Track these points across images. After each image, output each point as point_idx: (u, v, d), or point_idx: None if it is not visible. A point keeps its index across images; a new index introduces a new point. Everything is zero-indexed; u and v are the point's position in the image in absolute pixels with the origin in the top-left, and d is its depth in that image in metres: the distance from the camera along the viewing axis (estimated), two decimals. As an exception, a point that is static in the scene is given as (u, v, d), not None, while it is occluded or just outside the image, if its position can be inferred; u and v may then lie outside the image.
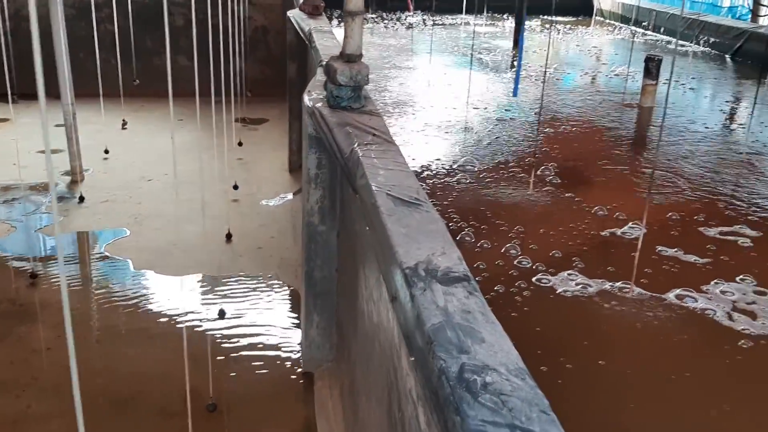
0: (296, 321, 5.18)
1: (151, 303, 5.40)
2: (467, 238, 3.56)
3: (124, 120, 8.88)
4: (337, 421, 3.71)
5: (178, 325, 4.94)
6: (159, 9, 11.11)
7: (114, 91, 8.28)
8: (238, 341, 5.02)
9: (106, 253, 6.10)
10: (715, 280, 3.28)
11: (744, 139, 5.75)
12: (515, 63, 8.69)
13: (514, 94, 5.52)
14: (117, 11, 8.29)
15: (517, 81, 5.24)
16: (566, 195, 4.25)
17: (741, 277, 3.34)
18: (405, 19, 12.38)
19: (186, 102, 3.68)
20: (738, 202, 4.27)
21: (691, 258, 3.46)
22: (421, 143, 5.25)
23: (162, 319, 5.11)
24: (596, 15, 14.22)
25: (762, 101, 6.83)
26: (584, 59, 9.84)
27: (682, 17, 11.03)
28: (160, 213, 6.60)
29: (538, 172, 4.45)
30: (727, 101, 7.38)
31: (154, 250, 6.02)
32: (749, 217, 4.05)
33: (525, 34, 10.39)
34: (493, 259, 3.38)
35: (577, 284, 3.17)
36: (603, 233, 3.71)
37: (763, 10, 10.03)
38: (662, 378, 2.66)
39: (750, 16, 10.68)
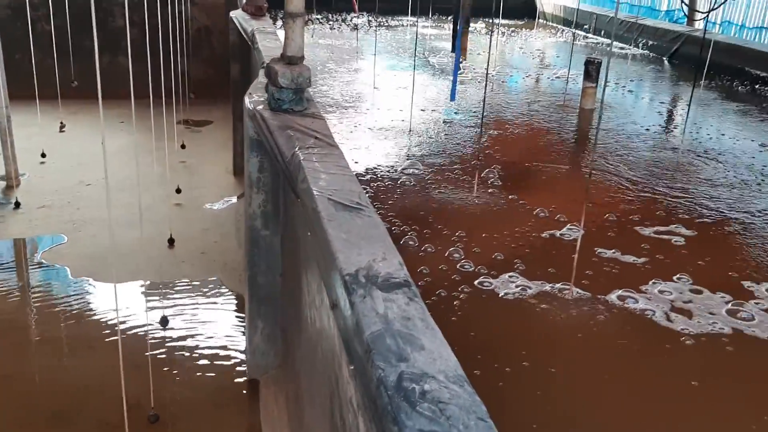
0: (241, 327, 5.11)
1: (90, 311, 5.26)
2: (410, 242, 3.55)
3: (62, 123, 8.62)
4: (283, 428, 3.66)
5: (119, 334, 4.82)
6: (98, 9, 10.82)
7: (51, 93, 8.03)
8: (181, 349, 4.92)
9: (44, 261, 5.91)
10: (653, 280, 3.35)
11: (680, 140, 5.91)
12: (461, 65, 8.76)
13: (452, 98, 5.55)
14: (54, 11, 8.04)
15: (454, 84, 5.27)
16: (509, 197, 4.29)
17: (678, 276, 3.42)
18: (350, 21, 12.36)
19: (128, 104, 3.59)
20: (674, 202, 4.38)
21: (630, 258, 3.53)
22: (365, 146, 5.24)
23: (102, 328, 4.98)
24: (539, 18, 14.45)
25: (697, 103, 7.03)
26: (527, 62, 9.98)
27: (621, 20, 11.29)
28: (99, 218, 6.43)
29: (482, 175, 4.48)
30: (662, 102, 7.58)
31: (93, 256, 5.85)
32: (684, 216, 4.16)
33: (470, 36, 10.48)
34: (437, 263, 3.38)
35: (517, 286, 3.20)
36: (544, 235, 3.75)
37: (698, 15, 10.34)
38: (600, 378, 2.70)
39: (686, 20, 11.01)
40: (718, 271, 3.55)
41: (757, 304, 3.21)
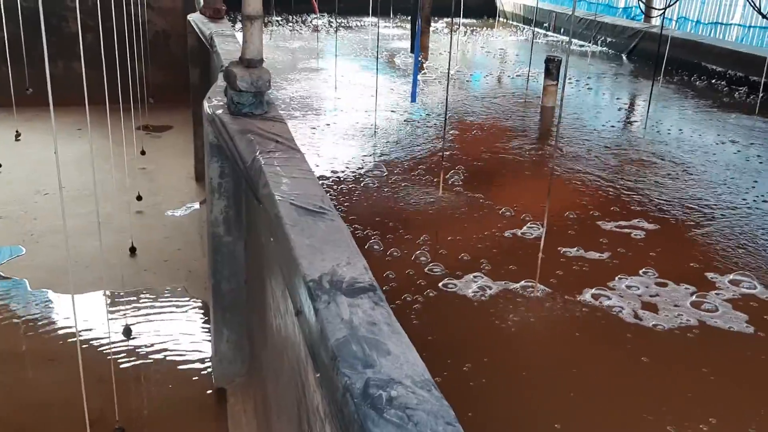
0: (207, 335, 5.03)
1: (51, 324, 5.14)
2: (375, 247, 3.53)
3: (17, 131, 8.39)
4: (251, 437, 3.62)
5: (81, 346, 4.71)
6: (52, 14, 10.59)
7: (6, 101, 7.83)
8: (146, 359, 4.84)
9: (1, 273, 5.76)
10: (619, 276, 3.37)
11: (639, 136, 5.98)
12: (424, 66, 8.76)
13: (413, 99, 5.53)
14: (7, 17, 7.84)
15: (414, 86, 5.25)
16: (473, 197, 4.29)
17: (644, 269, 3.45)
18: (311, 22, 12.29)
19: (85, 110, 3.51)
20: (635, 196, 4.42)
21: (593, 255, 3.55)
22: (328, 149, 5.20)
23: (63, 341, 4.87)
24: (499, 16, 14.55)
25: (656, 98, 7.14)
26: (489, 60, 10.03)
27: (580, 18, 11.41)
28: (57, 228, 6.28)
29: (446, 175, 4.48)
30: (622, 99, 7.67)
31: (52, 268, 5.72)
32: (645, 210, 4.20)
33: (431, 36, 10.50)
34: (403, 267, 3.36)
35: (481, 287, 3.19)
36: (508, 234, 3.75)
37: (654, 11, 10.50)
38: (566, 375, 2.71)
39: (643, 17, 11.17)
40: (681, 263, 3.59)
41: (718, 294, 3.26)
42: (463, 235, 3.72)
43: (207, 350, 4.84)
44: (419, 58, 9.06)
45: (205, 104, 3.74)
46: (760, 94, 7.07)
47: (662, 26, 7.80)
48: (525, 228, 3.82)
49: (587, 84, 8.18)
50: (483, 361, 2.74)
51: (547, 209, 3.20)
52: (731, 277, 3.42)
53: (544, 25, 12.43)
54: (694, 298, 3.23)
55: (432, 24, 11.02)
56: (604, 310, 3.10)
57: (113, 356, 4.52)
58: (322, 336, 1.79)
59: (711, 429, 2.43)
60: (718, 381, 2.70)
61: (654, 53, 7.80)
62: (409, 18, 10.83)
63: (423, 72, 8.40)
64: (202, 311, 5.39)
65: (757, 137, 6.03)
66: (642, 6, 10.90)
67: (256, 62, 3.58)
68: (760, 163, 5.35)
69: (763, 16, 6.84)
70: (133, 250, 5.98)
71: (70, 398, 4.12)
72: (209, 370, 4.60)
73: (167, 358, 4.85)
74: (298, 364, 2.26)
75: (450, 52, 6.00)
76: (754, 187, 4.77)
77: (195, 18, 6.76)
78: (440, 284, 3.20)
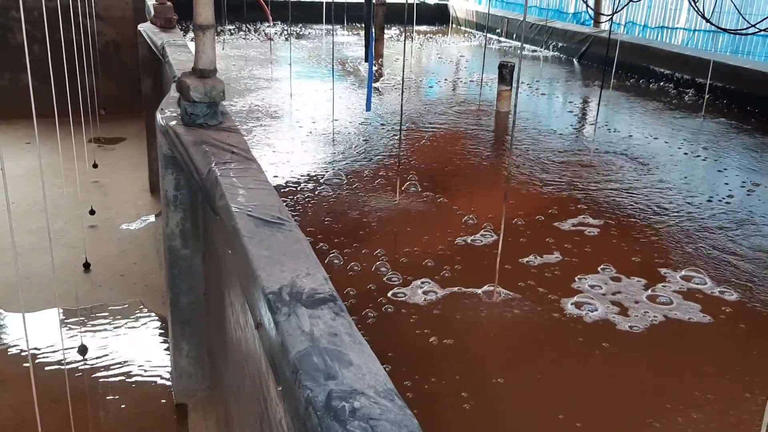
0: (167, 350, 4.94)
1: (1, 345, 4.98)
2: (336, 261, 3.52)
3: (-38, 146, 8.16)
4: (214, 452, 3.56)
5: (31, 366, 4.58)
6: (-4, 25, 10.24)
7: (-51, 116, 7.60)
8: (103, 377, 4.73)
9: (-52, 294, 5.57)
10: (578, 275, 3.43)
11: (591, 139, 6.08)
12: (381, 72, 8.79)
13: (367, 108, 5.55)
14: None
15: (369, 95, 5.26)
16: (430, 203, 4.31)
17: (602, 266, 3.53)
18: (265, 30, 12.22)
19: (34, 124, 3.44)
20: (587, 198, 4.50)
21: (551, 257, 3.59)
22: (285, 158, 5.16)
23: (14, 361, 4.73)
24: (453, 23, 14.68)
25: (606, 102, 7.28)
26: (444, 66, 10.11)
27: (531, 24, 11.58)
28: (7, 246, 6.10)
29: (403, 182, 4.49)
30: (574, 102, 7.80)
31: (2, 286, 5.56)
32: (598, 209, 4.28)
33: (386, 43, 10.53)
34: (363, 278, 3.36)
35: (442, 295, 3.20)
36: (466, 240, 3.78)
37: (603, 16, 10.71)
38: (533, 381, 2.73)
39: (592, 22, 11.39)
40: (635, 259, 3.66)
41: (664, 286, 3.35)
42: (421, 243, 3.73)
43: (166, 365, 4.75)
44: (373, 67, 9.10)
45: (158, 116, 3.68)
46: (706, 96, 7.26)
47: (610, 31, 7.95)
48: (484, 233, 3.85)
49: (540, 89, 8.30)
50: (450, 374, 2.75)
51: (504, 214, 3.24)
52: (683, 273, 3.51)
53: (497, 31, 12.59)
54: (649, 292, 3.32)
55: (386, 31, 11.06)
56: (563, 308, 3.14)
57: (68, 375, 4.41)
58: (282, 349, 1.77)
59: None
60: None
61: (604, 57, 7.96)
62: (361, 25, 10.85)
63: (380, 79, 8.42)
64: (161, 326, 5.30)
65: (704, 138, 6.20)
66: (590, 11, 11.10)
67: (210, 72, 3.54)
68: (704, 160, 5.49)
69: (707, 20, 7.03)
70: (87, 265, 5.85)
71: (23, 422, 4.01)
72: (169, 385, 4.52)
73: (125, 375, 4.75)
74: (260, 378, 2.23)
75: (403, 59, 6.02)
76: (703, 185, 4.90)
77: (146, 28, 6.66)
78: (393, 294, 3.20)
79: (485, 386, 2.68)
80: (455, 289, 3.27)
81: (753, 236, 4.02)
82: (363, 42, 10.42)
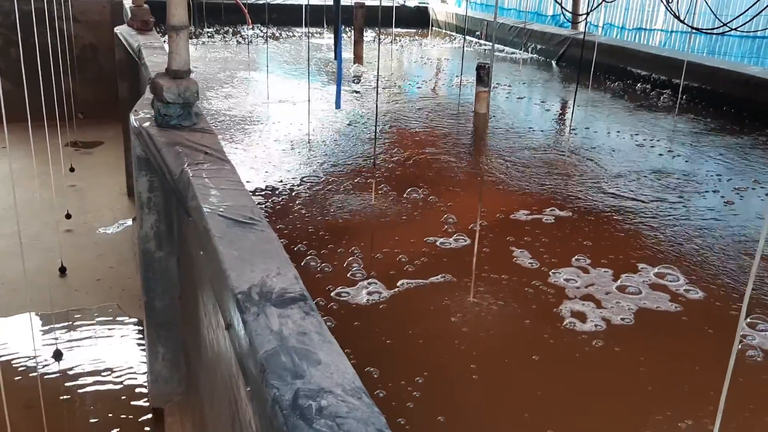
0: (143, 354, 4.90)
1: (-26, 350, 4.91)
2: (312, 263, 3.50)
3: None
4: (190, 456, 3.52)
5: (6, 371, 4.52)
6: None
7: None
8: (79, 382, 4.68)
9: None
10: (553, 270, 3.45)
11: (567, 138, 6.11)
12: (364, 75, 8.78)
13: (337, 106, 5.53)
14: None
15: (338, 92, 5.25)
16: (407, 205, 4.30)
17: (576, 257, 3.57)
18: (243, 32, 12.16)
19: (11, 128, 3.39)
20: (567, 193, 4.52)
21: (527, 255, 3.60)
22: (261, 160, 5.14)
23: (-12, 368, 4.65)
24: (432, 26, 14.70)
25: (584, 103, 7.32)
26: (423, 68, 10.12)
27: (510, 26, 11.63)
28: (-19, 250, 6.03)
29: (379, 184, 4.48)
30: (551, 103, 7.84)
31: (-25, 291, 5.49)
32: (575, 207, 4.31)
33: (365, 45, 10.52)
34: (337, 280, 3.35)
35: (423, 298, 3.20)
36: (442, 240, 3.77)
37: (581, 18, 10.77)
38: (509, 376, 2.74)
39: (570, 24, 11.45)
40: (608, 253, 3.70)
41: (632, 276, 3.40)
42: (398, 245, 3.72)
43: (143, 369, 4.71)
44: (360, 71, 9.09)
45: (132, 117, 3.65)
46: (682, 96, 7.33)
47: (585, 32, 8.01)
48: (460, 233, 3.85)
49: (518, 90, 8.33)
50: (421, 372, 2.75)
51: (479, 211, 3.24)
52: (657, 270, 3.54)
53: (476, 33, 12.63)
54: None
55: (366, 34, 11.05)
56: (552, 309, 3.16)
57: (42, 380, 4.35)
58: (251, 348, 1.76)
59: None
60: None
61: (582, 59, 8.01)
62: (342, 27, 10.83)
63: (358, 81, 8.42)
64: (138, 329, 5.25)
65: (679, 137, 6.25)
66: (567, 14, 11.16)
67: (183, 73, 3.52)
68: (675, 157, 5.54)
69: (682, 22, 7.10)
70: (63, 270, 5.78)
71: (-3, 427, 3.95)
72: (145, 390, 4.47)
73: (101, 379, 4.70)
74: (231, 379, 2.21)
75: (378, 62, 6.01)
76: (678, 184, 4.94)
77: (122, 30, 6.60)
78: (371, 293, 3.19)
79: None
80: (426, 291, 3.26)
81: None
82: (345, 44, 10.41)
